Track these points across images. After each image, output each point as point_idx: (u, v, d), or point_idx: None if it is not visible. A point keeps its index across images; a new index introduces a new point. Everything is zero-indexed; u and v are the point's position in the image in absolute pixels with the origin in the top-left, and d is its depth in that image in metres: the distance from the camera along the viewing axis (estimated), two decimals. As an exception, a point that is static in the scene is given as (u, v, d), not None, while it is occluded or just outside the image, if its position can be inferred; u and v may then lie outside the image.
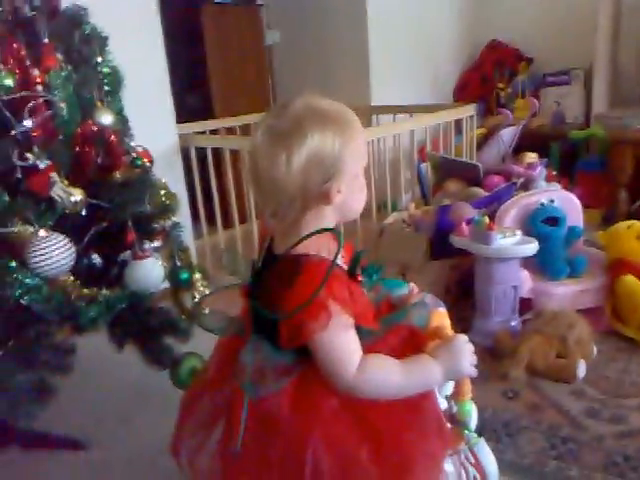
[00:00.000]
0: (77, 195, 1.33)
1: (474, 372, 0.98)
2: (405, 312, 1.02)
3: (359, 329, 0.91)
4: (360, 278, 0.96)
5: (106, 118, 1.43)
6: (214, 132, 3.19)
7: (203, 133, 3.07)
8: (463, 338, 0.98)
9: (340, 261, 0.93)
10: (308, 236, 0.91)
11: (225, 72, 3.74)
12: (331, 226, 0.95)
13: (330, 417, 0.90)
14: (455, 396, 1.04)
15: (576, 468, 1.42)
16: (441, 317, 1.02)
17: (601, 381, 1.78)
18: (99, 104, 1.44)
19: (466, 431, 1.02)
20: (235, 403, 0.93)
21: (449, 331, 1.00)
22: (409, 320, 1.00)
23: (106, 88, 1.52)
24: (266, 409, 0.91)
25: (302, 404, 0.90)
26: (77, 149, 1.37)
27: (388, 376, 0.92)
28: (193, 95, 3.86)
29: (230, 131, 3.31)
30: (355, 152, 0.93)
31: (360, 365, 0.90)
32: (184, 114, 3.17)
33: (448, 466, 1.00)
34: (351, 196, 0.95)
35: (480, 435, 1.07)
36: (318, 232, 0.91)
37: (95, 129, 1.39)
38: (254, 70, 3.88)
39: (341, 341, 0.89)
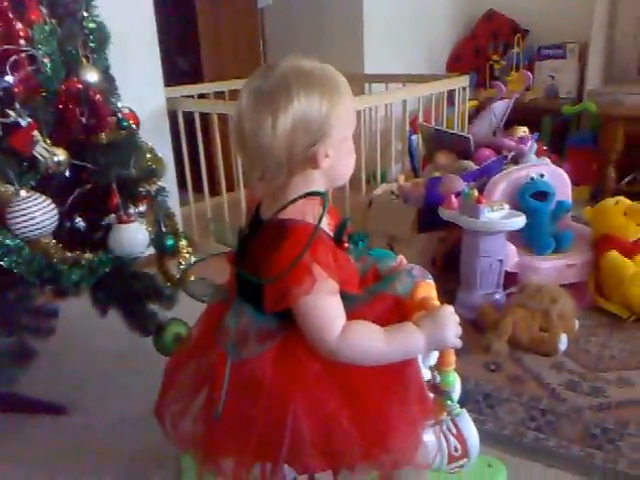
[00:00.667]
0: (60, 155, 1.30)
1: (458, 343, 0.98)
2: (390, 281, 1.02)
3: (344, 295, 0.91)
4: (346, 245, 0.95)
5: (91, 76, 1.39)
6: (203, 96, 3.13)
7: (191, 97, 3.01)
8: (449, 309, 0.98)
9: (326, 227, 0.93)
10: (294, 201, 0.90)
11: (216, 35, 3.64)
12: (319, 191, 0.94)
13: (312, 381, 0.90)
14: (439, 366, 1.03)
15: (554, 439, 1.45)
16: (428, 288, 1.01)
17: (582, 355, 1.80)
18: (84, 61, 1.39)
19: (448, 402, 1.02)
20: (218, 368, 0.93)
21: (435, 302, 0.99)
22: (393, 289, 1.00)
23: (91, 45, 1.47)
24: (248, 373, 0.91)
25: (285, 368, 0.91)
26: (60, 107, 1.33)
27: (371, 342, 0.92)
28: (182, 58, 3.77)
29: (219, 96, 3.25)
30: (343, 115, 0.91)
31: (343, 330, 0.90)
32: (173, 77, 3.11)
33: (429, 436, 1.01)
34: (339, 161, 0.94)
35: (462, 406, 1.08)
36: (304, 196, 0.91)
37: (80, 87, 1.34)
38: (245, 33, 3.79)
39: (325, 306, 0.89)
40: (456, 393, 1.07)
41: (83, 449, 1.51)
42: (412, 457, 0.94)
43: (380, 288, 1.01)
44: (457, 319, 0.97)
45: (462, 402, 1.09)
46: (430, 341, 0.95)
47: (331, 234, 0.94)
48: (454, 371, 1.04)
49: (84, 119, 1.36)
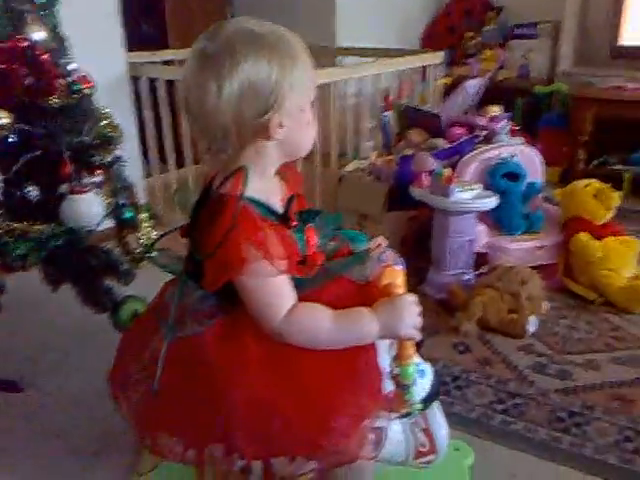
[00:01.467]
0: (2, 117, 1.20)
1: (415, 335, 0.90)
2: (350, 262, 0.95)
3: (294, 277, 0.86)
4: (294, 223, 0.88)
5: (37, 34, 1.28)
6: (167, 64, 2.99)
7: (156, 64, 2.87)
8: (410, 298, 0.90)
9: (277, 204, 0.88)
10: (233, 174, 0.84)
11: (182, 0, 3.49)
12: (274, 164, 0.89)
13: (255, 365, 0.85)
14: (397, 358, 0.94)
15: (521, 422, 1.43)
16: (394, 274, 0.92)
17: (549, 337, 1.79)
18: (30, 18, 1.28)
19: (407, 396, 0.93)
20: (158, 344, 0.90)
21: (400, 290, 0.91)
22: (352, 271, 0.94)
23: (40, 1, 1.35)
24: (187, 351, 0.88)
25: (228, 349, 0.86)
26: (3, 67, 1.22)
27: (319, 324, 0.86)
28: (146, 23, 3.61)
29: (184, 63, 3.11)
30: (298, 82, 0.83)
31: (290, 311, 0.85)
32: (136, 43, 2.96)
33: (395, 430, 0.95)
34: (296, 132, 0.87)
35: (426, 404, 0.99)
36: (240, 169, 0.84)
37: (24, 45, 1.23)
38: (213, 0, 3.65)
39: (265, 287, 0.84)
40: (421, 387, 0.97)
41: (36, 426, 1.45)
42: (356, 451, 0.86)
43: (337, 269, 0.93)
44: (417, 310, 0.90)
45: (432, 397, 1.01)
46: (384, 328, 0.88)
47: (280, 210, 0.88)
48: (421, 364, 0.96)
49: (30, 80, 1.25)
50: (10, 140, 1.26)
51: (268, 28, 0.83)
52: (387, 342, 0.94)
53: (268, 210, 0.86)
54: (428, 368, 0.99)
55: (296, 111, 0.85)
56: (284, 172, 0.94)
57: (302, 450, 0.85)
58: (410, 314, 0.88)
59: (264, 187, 0.88)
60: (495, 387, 1.56)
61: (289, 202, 0.89)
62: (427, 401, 0.98)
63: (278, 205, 0.89)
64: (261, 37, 0.81)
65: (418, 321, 0.89)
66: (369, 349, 0.90)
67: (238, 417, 0.84)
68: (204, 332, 0.86)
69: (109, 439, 1.38)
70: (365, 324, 0.88)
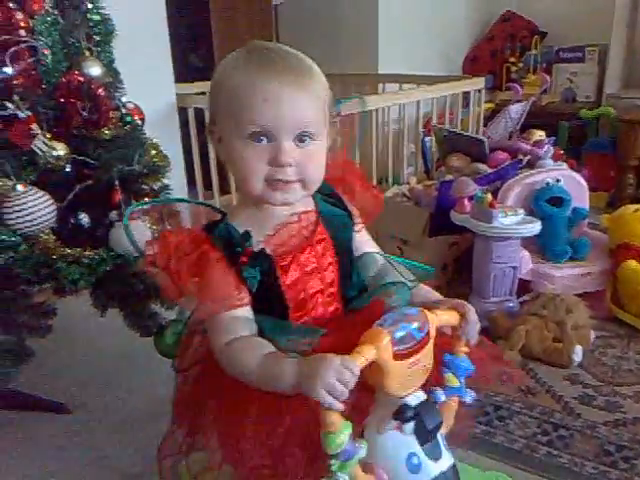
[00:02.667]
0: (60, 150, 1.26)
1: (329, 402, 0.71)
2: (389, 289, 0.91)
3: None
4: (244, 259, 0.84)
5: (94, 69, 1.35)
6: (214, 94, 3.09)
7: (203, 94, 2.97)
8: (339, 360, 0.72)
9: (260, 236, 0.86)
10: None
11: (229, 31, 3.61)
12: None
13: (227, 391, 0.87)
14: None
15: (567, 455, 1.39)
16: (373, 336, 0.76)
17: (597, 367, 1.74)
18: (87, 53, 1.36)
19: (332, 467, 0.74)
20: None
21: (363, 354, 0.74)
22: (389, 295, 0.89)
23: (96, 37, 1.43)
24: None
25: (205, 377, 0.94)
26: (61, 100, 1.29)
27: (245, 363, 0.81)
28: (195, 55, 3.74)
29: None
30: (228, 103, 0.82)
31: (228, 344, 0.83)
32: (185, 74, 3.08)
33: None
34: (229, 159, 0.86)
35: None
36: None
37: (81, 80, 1.30)
38: (259, 30, 3.75)
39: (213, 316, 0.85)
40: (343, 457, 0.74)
41: (83, 448, 1.48)
42: None
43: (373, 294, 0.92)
44: (345, 377, 0.71)
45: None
46: (298, 383, 0.75)
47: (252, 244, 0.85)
48: (344, 433, 0.73)
49: (85, 113, 1.32)
50: (66, 170, 1.33)
51: (284, 49, 0.85)
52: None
53: (239, 240, 0.84)
54: (432, 466, 0.80)
55: (226, 134, 0.84)
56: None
57: None
58: (329, 376, 0.71)
59: (249, 214, 0.88)
60: (539, 418, 1.52)
61: (243, 237, 0.85)
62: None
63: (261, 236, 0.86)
64: (257, 49, 0.84)
65: (338, 389, 0.71)
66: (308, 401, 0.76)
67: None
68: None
69: (150, 462, 1.41)
70: (282, 373, 0.77)
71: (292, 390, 0.76)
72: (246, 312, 0.85)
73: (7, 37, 1.20)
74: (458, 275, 2.15)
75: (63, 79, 1.28)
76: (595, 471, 1.33)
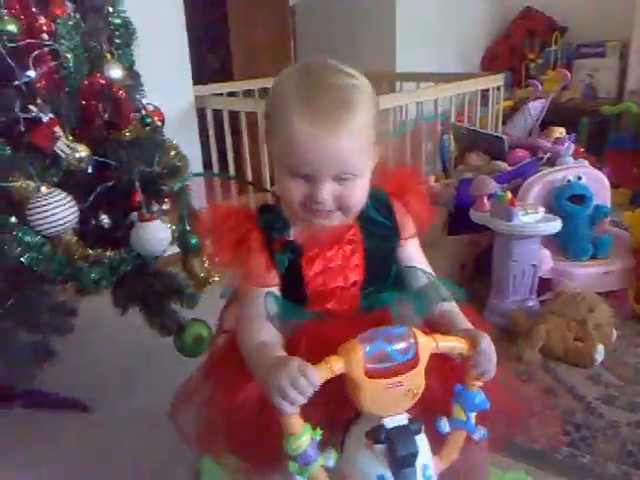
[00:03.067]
0: (82, 151, 1.28)
1: (279, 405, 0.71)
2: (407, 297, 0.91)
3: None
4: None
5: (115, 72, 1.37)
6: (232, 95, 3.11)
7: (221, 95, 2.99)
8: (298, 364, 0.72)
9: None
10: None
11: (246, 33, 3.63)
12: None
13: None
14: None
15: (589, 456, 1.37)
16: (349, 349, 0.74)
17: (619, 367, 1.72)
18: (108, 56, 1.37)
19: (291, 468, 0.74)
20: None
21: (333, 363, 0.73)
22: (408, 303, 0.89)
23: (117, 41, 1.45)
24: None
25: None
26: (83, 103, 1.31)
27: (247, 341, 0.87)
28: (212, 56, 3.77)
29: (248, 94, 3.23)
30: (280, 126, 0.82)
31: (248, 317, 0.89)
32: (202, 75, 3.10)
33: None
34: (277, 175, 0.87)
35: None
36: None
37: (103, 83, 1.32)
38: (276, 31, 3.77)
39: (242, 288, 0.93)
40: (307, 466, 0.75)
41: (104, 447, 1.50)
42: None
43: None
44: (300, 384, 0.71)
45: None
46: (261, 377, 0.78)
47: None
48: (302, 437, 0.73)
49: (107, 115, 1.34)
50: (87, 172, 1.35)
51: (331, 78, 0.82)
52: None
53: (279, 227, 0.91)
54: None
55: (276, 154, 0.86)
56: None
57: None
58: (283, 380, 0.71)
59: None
60: (561, 418, 1.51)
61: (282, 226, 0.91)
62: None
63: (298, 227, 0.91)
64: (305, 78, 0.83)
65: (290, 394, 0.71)
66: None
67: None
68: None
69: (169, 460, 1.43)
70: (258, 366, 0.80)
71: (260, 381, 0.78)
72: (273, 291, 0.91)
73: (30, 41, 1.22)
74: (477, 274, 2.13)
75: (85, 82, 1.30)
76: (618, 472, 1.32)
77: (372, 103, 0.84)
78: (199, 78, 2.84)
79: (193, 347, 1.52)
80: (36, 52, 1.23)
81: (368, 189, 0.88)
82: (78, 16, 1.33)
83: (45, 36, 1.25)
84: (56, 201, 1.22)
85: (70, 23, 1.29)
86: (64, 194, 1.25)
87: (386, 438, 0.74)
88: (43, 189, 1.22)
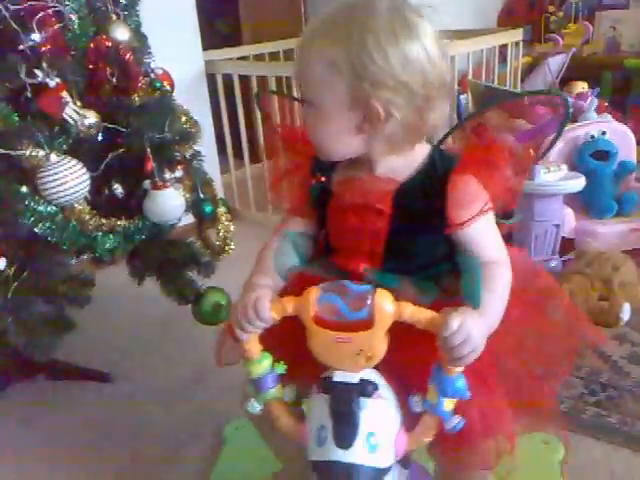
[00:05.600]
0: (91, 117, 1.25)
1: (236, 330, 0.79)
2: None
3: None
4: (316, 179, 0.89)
5: (121, 33, 1.32)
6: (242, 60, 3.04)
7: (231, 60, 2.92)
8: (252, 299, 0.77)
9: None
10: None
11: (255, -3, 3.53)
12: None
13: None
14: None
15: (616, 415, 1.35)
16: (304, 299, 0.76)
17: (646, 326, 1.68)
18: (114, 17, 1.33)
19: (248, 390, 0.83)
20: None
21: (302, 308, 0.76)
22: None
23: (122, 1, 1.40)
24: None
25: None
26: (90, 67, 1.27)
27: (257, 258, 0.91)
28: (221, 21, 3.68)
29: (259, 59, 3.16)
30: None
31: (273, 238, 0.92)
32: (212, 41, 3.03)
33: None
34: None
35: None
36: None
37: (109, 45, 1.28)
38: (285, -6, 3.66)
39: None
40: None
41: (126, 417, 1.51)
42: None
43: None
44: (249, 315, 0.77)
45: None
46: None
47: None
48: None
49: (114, 79, 1.30)
50: (98, 139, 1.32)
51: None
52: None
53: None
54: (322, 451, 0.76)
55: None
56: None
57: None
58: (237, 309, 0.78)
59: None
60: (586, 379, 1.48)
61: (328, 168, 0.88)
62: None
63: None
64: None
65: (241, 323, 0.77)
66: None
67: None
68: None
69: (193, 428, 1.43)
70: (249, 279, 0.87)
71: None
72: (302, 225, 0.91)
73: (33, 3, 1.17)
74: (498, 235, 2.09)
75: (91, 44, 1.26)
76: (647, 431, 1.29)
77: (363, 50, 0.72)
78: (209, 45, 2.77)
79: (211, 315, 1.50)
80: (40, 14, 1.18)
81: (341, 142, 0.79)
82: (81, -24, 1.28)
83: (48, -2, 1.20)
84: (66, 169, 1.20)
85: (73, -17, 1.24)
86: (75, 162, 1.22)
87: (329, 389, 0.75)
88: (53, 157, 1.19)
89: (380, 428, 0.75)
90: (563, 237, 1.93)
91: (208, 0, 3.42)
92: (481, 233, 0.81)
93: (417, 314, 0.73)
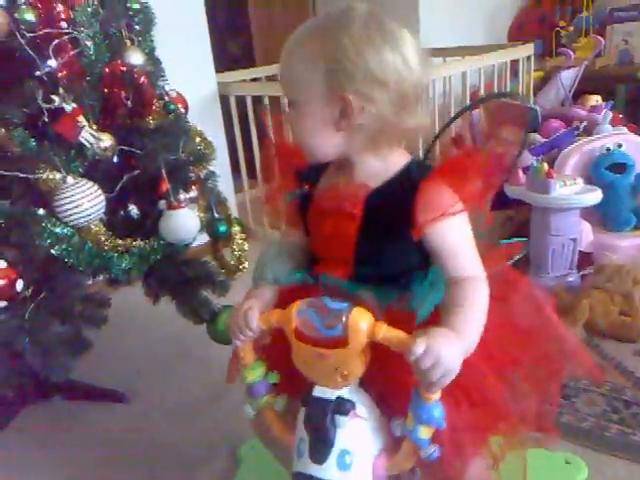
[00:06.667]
0: (107, 140, 1.27)
1: (232, 337, 0.84)
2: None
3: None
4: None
5: (136, 58, 1.35)
6: (255, 81, 3.08)
7: (244, 82, 2.96)
8: (243, 309, 0.81)
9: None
10: None
11: (267, 20, 3.58)
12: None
13: None
14: None
15: (641, 433, 1.31)
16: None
17: (669, 341, 1.64)
18: (128, 43, 1.35)
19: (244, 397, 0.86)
20: None
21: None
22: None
23: (136, 27, 1.43)
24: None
25: None
26: (105, 91, 1.29)
27: (256, 262, 0.96)
28: (234, 43, 3.74)
29: (271, 80, 3.19)
30: None
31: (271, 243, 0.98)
32: (225, 63, 3.08)
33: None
34: None
35: None
36: None
37: (124, 69, 1.30)
38: (296, 15, 3.71)
39: None
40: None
41: (142, 436, 1.50)
42: None
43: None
44: (239, 323, 0.81)
45: None
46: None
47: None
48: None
49: (129, 103, 1.32)
50: (113, 161, 1.34)
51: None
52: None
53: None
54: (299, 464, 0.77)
55: None
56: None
57: None
58: (235, 315, 0.83)
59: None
60: (609, 395, 1.45)
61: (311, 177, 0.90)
62: None
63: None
64: None
65: (233, 330, 0.83)
66: None
67: None
68: None
69: (209, 448, 1.42)
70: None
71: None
72: (297, 235, 0.92)
73: (49, 30, 1.20)
74: (514, 250, 2.07)
75: (106, 69, 1.28)
76: (672, 449, 1.26)
77: (342, 46, 0.75)
78: (222, 66, 2.81)
79: (226, 334, 1.49)
80: (56, 41, 1.21)
81: (321, 139, 0.80)
82: (96, 2, 1.31)
83: (64, 24, 1.23)
84: (83, 191, 1.21)
85: (88, 10, 1.27)
86: (90, 184, 1.24)
87: (306, 403, 0.77)
88: (69, 180, 1.20)
89: (356, 447, 0.75)
90: (581, 251, 1.91)
91: (221, 22, 3.49)
92: (453, 244, 0.79)
93: (388, 335, 0.71)
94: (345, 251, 0.83)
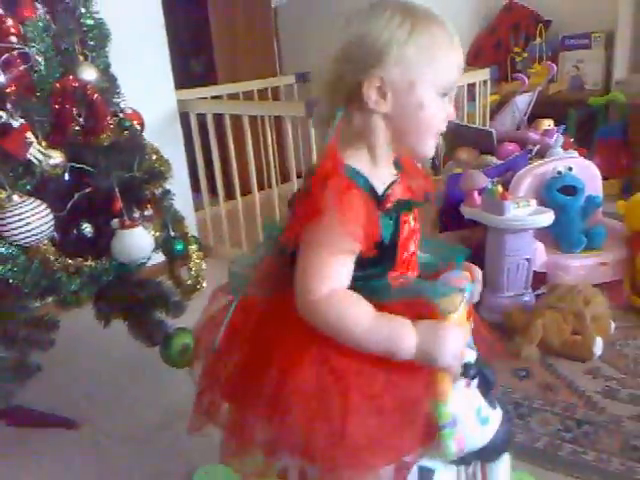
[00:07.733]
0: (56, 157, 1.24)
1: (454, 366, 0.78)
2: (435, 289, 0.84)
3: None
4: (388, 205, 0.81)
5: (89, 74, 1.32)
6: (216, 99, 3.07)
7: (205, 99, 2.95)
8: (462, 331, 0.80)
9: (380, 188, 0.82)
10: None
11: (229, 36, 3.58)
12: (382, 145, 0.82)
13: (293, 348, 0.78)
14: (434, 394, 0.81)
15: (593, 452, 1.33)
16: (452, 301, 0.80)
17: (619, 359, 1.68)
18: (81, 58, 1.33)
19: (442, 440, 0.80)
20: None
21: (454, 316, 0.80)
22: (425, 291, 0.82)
23: (90, 42, 1.40)
24: (239, 319, 0.87)
25: (272, 320, 0.83)
26: (56, 107, 1.26)
27: (360, 315, 0.76)
28: (196, 61, 3.72)
29: (233, 98, 3.18)
30: (412, 52, 0.81)
31: (334, 291, 0.76)
32: (187, 80, 3.06)
33: (446, 478, 0.86)
34: (401, 112, 0.80)
35: (485, 455, 0.88)
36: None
37: (76, 85, 1.27)
38: (259, 33, 3.73)
39: (325, 255, 0.76)
40: (480, 435, 0.84)
41: (93, 462, 1.45)
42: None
43: (419, 291, 0.82)
44: (462, 338, 0.79)
45: (494, 449, 0.88)
46: (421, 349, 0.76)
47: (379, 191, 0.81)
48: (485, 409, 0.85)
49: (82, 119, 1.29)
50: (64, 179, 1.30)
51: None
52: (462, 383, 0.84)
53: (366, 183, 0.79)
54: (495, 415, 0.87)
55: (404, 85, 0.79)
56: (408, 169, 0.89)
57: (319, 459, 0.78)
58: (454, 340, 0.77)
59: (369, 166, 0.82)
60: (562, 414, 1.47)
61: (390, 184, 0.83)
62: (486, 452, 0.87)
63: (380, 189, 0.81)
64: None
65: (459, 352, 0.78)
66: (421, 370, 0.78)
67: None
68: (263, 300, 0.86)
69: (162, 474, 1.38)
70: (404, 335, 0.76)
71: (412, 356, 0.76)
72: (353, 264, 0.79)
73: (-3, 45, 1.17)
74: (471, 270, 2.09)
75: (57, 85, 1.25)
76: (622, 467, 1.28)
77: None
78: (183, 84, 2.79)
79: (179, 358, 1.47)
80: (5, 56, 1.17)
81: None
82: (48, 17, 1.28)
83: (13, 39, 1.20)
84: (29, 210, 1.17)
85: (40, 25, 1.25)
86: (38, 202, 1.20)
87: (477, 371, 0.83)
88: (15, 198, 1.16)
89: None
90: (535, 271, 1.95)
91: (183, 40, 3.47)
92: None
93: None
94: (418, 239, 0.90)
